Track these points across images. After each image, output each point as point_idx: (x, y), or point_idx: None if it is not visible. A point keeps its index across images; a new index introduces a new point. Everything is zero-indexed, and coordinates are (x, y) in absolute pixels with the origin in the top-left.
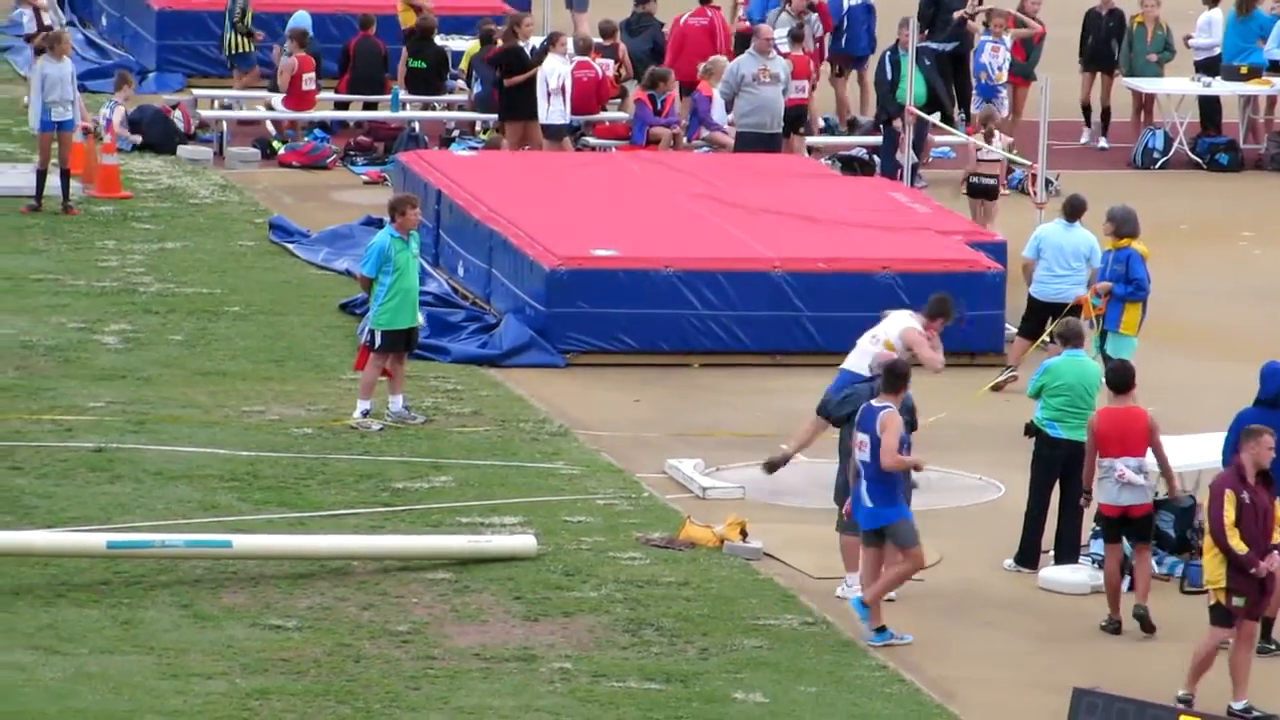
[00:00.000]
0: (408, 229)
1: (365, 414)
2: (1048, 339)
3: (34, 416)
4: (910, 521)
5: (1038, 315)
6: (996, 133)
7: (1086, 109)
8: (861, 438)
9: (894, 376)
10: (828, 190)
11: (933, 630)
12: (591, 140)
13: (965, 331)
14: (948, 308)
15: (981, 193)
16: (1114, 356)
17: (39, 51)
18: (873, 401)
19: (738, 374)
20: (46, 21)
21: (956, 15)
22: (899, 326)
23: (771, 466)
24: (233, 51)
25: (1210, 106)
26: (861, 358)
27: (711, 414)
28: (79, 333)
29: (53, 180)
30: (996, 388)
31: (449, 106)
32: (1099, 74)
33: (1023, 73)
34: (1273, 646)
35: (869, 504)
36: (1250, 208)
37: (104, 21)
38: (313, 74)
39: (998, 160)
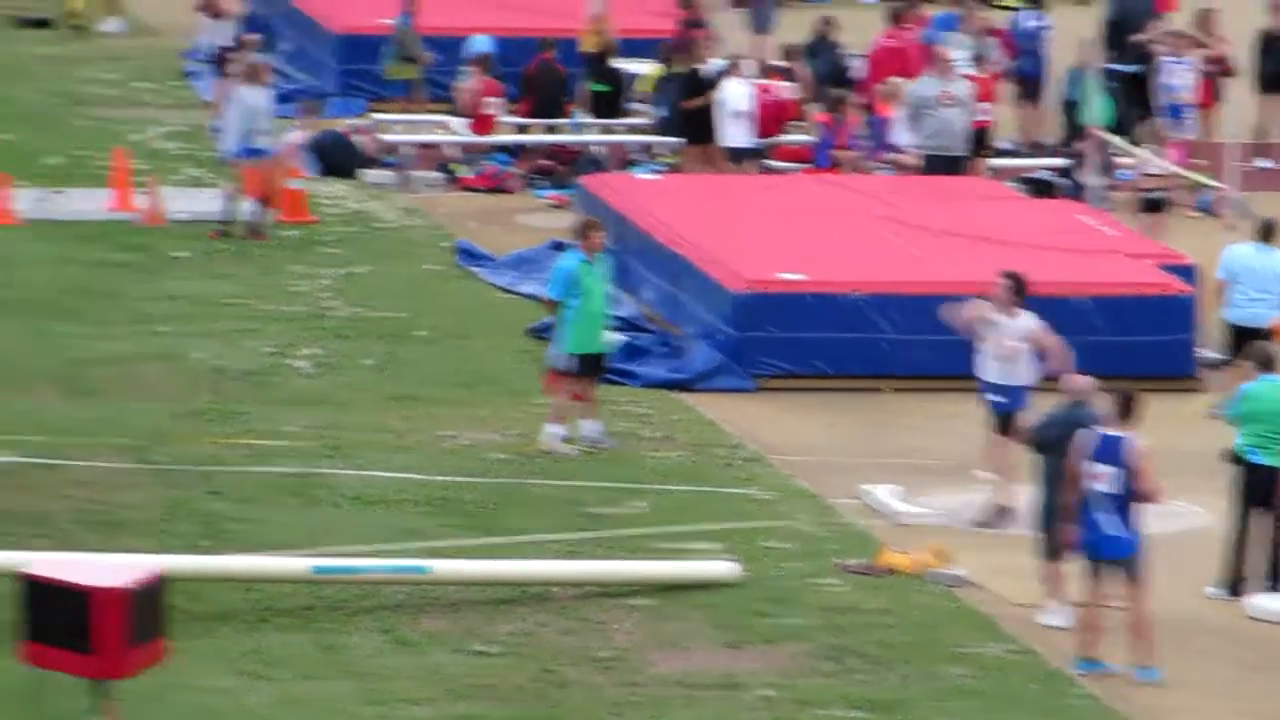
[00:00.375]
0: (594, 252)
1: (558, 438)
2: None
3: (229, 441)
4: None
5: (1236, 340)
6: (1164, 148)
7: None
8: (1103, 469)
9: (1130, 404)
10: (1013, 212)
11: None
12: (774, 163)
13: (1157, 356)
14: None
15: (1150, 207)
16: None
17: (223, 68)
18: (1108, 431)
19: (930, 398)
20: (221, 40)
21: (1139, 38)
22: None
23: (989, 520)
24: (395, 77)
25: None
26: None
27: (904, 439)
28: (271, 357)
29: (243, 205)
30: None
31: (630, 130)
32: (1276, 95)
33: (1216, 92)
34: None
35: (1118, 533)
36: None
37: (285, 46)
38: (495, 98)
39: (1165, 175)
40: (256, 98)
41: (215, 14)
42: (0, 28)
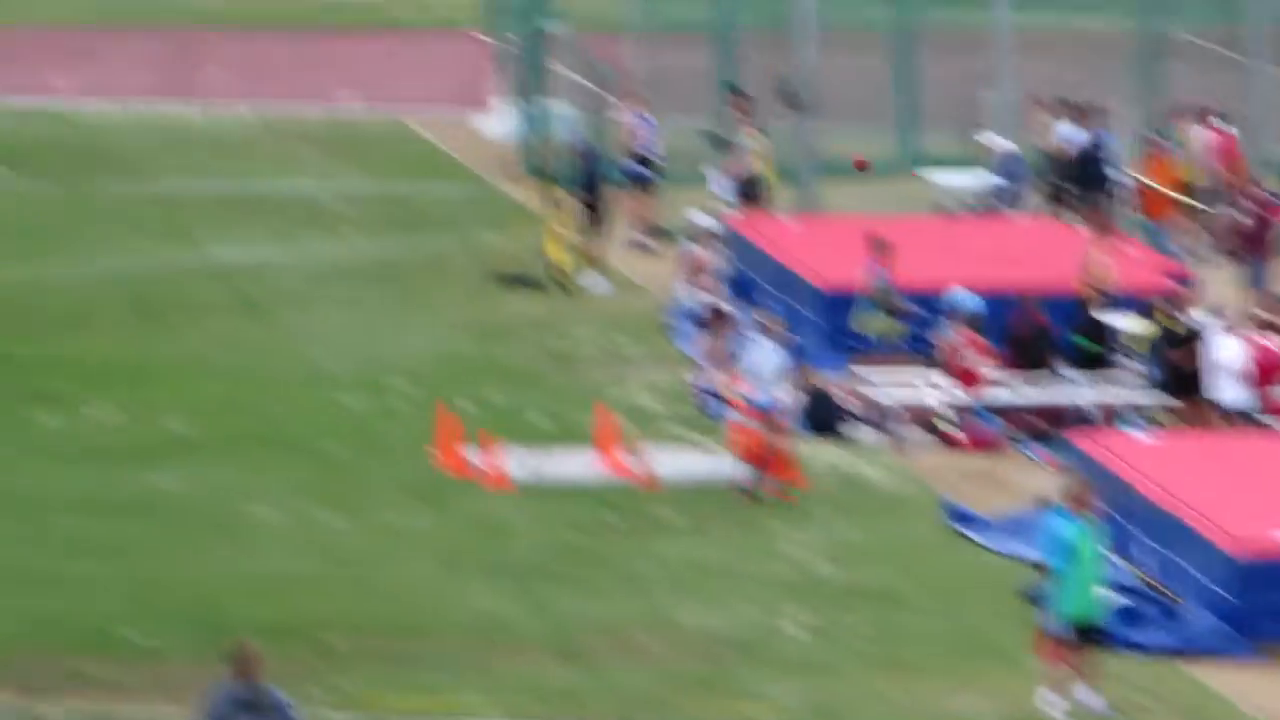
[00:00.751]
0: (1085, 514)
1: (1056, 706)
2: None
3: (720, 708)
4: None
5: None
6: None
7: None
8: None
9: None
10: None
11: None
12: (1270, 420)
13: None
14: None
15: None
16: None
17: (711, 325)
18: None
19: None
20: (708, 298)
21: None
22: None
23: None
24: (876, 333)
25: None
26: None
27: None
28: (762, 622)
29: (737, 466)
30: None
31: (1119, 386)
32: None
33: None
34: None
35: None
36: None
37: (768, 303)
38: (980, 353)
39: None
40: (763, 355)
41: (692, 279)
42: (482, 284)
